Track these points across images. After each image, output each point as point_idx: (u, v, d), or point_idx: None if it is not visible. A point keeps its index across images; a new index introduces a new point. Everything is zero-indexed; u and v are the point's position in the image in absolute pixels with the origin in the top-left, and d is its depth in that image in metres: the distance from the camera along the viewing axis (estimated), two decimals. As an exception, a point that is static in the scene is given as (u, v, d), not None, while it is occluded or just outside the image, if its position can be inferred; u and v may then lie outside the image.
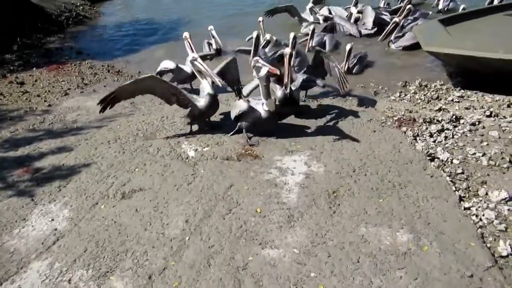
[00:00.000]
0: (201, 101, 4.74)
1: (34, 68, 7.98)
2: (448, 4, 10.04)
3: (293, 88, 5.04)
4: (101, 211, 3.57)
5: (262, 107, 4.53)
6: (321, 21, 9.78)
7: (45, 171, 4.27)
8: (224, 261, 2.95)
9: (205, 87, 4.72)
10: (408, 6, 8.19)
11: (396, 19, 8.18)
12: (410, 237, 3.04)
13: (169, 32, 11.02)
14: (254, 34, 5.91)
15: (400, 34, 8.36)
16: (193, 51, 5.41)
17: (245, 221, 3.35)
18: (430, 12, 9.95)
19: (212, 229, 3.28)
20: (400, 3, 10.70)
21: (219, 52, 8.13)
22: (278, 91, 5.01)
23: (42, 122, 5.59)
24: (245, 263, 2.92)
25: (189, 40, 5.54)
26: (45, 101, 6.42)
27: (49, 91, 6.87)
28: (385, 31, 8.29)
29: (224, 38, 8.91)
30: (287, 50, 4.71)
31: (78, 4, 12.97)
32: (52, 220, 3.47)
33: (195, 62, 4.71)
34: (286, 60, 4.66)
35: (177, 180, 4.01)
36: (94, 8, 13.54)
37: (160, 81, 4.62)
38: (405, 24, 8.69)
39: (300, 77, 5.36)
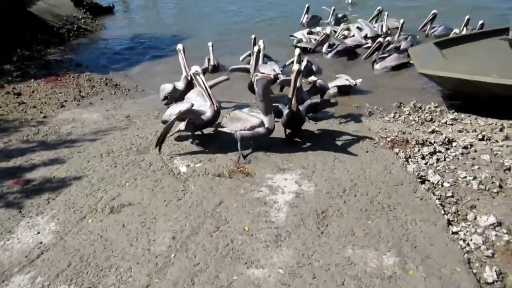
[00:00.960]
0: (208, 112, 4.78)
1: (32, 80, 8.03)
2: (435, 30, 10.11)
3: (300, 108, 4.90)
4: (88, 225, 3.55)
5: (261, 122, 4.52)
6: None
7: (35, 183, 4.26)
8: (209, 279, 2.92)
9: (213, 100, 4.77)
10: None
11: (380, 39, 8.32)
12: (396, 260, 3.02)
13: (169, 47, 11.09)
14: (255, 49, 5.90)
15: (385, 54, 8.48)
16: (186, 64, 5.53)
17: (232, 239, 3.33)
18: (418, 36, 10.08)
19: (199, 247, 3.26)
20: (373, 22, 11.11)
21: (215, 69, 8.21)
22: (285, 110, 4.84)
23: (37, 133, 5.60)
24: (229, 283, 2.89)
25: (181, 53, 5.60)
26: (40, 112, 6.44)
27: (45, 102, 6.90)
28: (369, 51, 8.47)
29: (223, 55, 9.04)
30: (295, 67, 4.65)
31: (80, 17, 13.11)
32: (38, 233, 3.45)
33: (197, 77, 4.78)
34: (293, 76, 4.58)
35: (166, 196, 4.00)
36: (96, 22, 13.69)
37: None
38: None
39: (308, 101, 5.24)
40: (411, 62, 7.74)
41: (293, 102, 4.66)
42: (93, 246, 3.27)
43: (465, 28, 9.50)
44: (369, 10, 11.96)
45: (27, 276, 2.97)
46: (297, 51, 5.68)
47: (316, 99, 5.51)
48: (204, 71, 4.89)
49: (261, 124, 4.49)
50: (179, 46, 5.62)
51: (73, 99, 7.16)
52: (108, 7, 15.79)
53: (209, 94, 4.68)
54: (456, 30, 9.44)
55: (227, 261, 3.09)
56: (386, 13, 10.52)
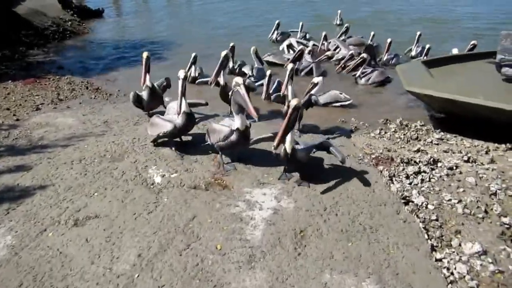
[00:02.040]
0: (179, 119, 4.69)
1: (10, 81, 7.76)
2: (421, 52, 10.05)
3: (298, 148, 4.04)
4: (48, 240, 3.28)
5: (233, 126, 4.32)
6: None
7: (-4, 190, 3.98)
8: (173, 304, 2.69)
9: (182, 105, 4.63)
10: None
11: (363, 54, 8.31)
12: (376, 288, 2.83)
13: (154, 53, 10.89)
14: (223, 54, 5.68)
15: (368, 70, 8.45)
16: (147, 73, 5.53)
17: (203, 259, 3.11)
18: (401, 56, 10.08)
19: (166, 266, 3.02)
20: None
21: (194, 80, 8.02)
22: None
23: (6, 137, 5.32)
24: (195, 308, 2.66)
25: (144, 60, 5.47)
26: (14, 115, 6.15)
27: (20, 105, 6.61)
28: (351, 65, 8.46)
29: (208, 63, 8.86)
30: (293, 102, 3.68)
31: (67, 19, 12.88)
32: (-9, 246, 3.18)
33: (179, 81, 4.60)
34: (288, 113, 3.69)
35: (137, 208, 3.76)
36: (83, 25, 13.47)
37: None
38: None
39: (302, 144, 4.21)
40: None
41: (288, 141, 3.86)
42: (50, 264, 3.01)
43: (415, 47, 9.84)
44: (357, 31, 11.96)
45: (-29, 296, 2.70)
46: (290, 66, 5.39)
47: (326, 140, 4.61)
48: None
49: (232, 132, 4.31)
50: (144, 54, 5.48)
51: (50, 102, 6.88)
52: (97, 10, 15.58)
53: (179, 102, 4.56)
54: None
55: (194, 284, 2.86)
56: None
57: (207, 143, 4.72)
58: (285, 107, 5.25)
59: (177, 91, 4.59)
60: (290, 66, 5.33)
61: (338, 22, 12.80)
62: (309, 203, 3.88)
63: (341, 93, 7.16)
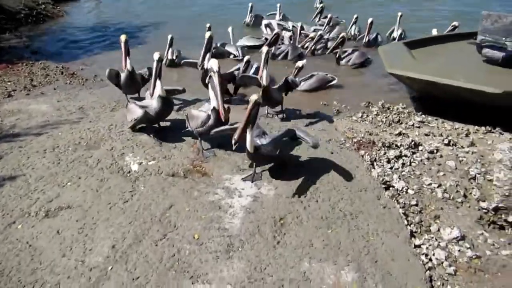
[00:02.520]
0: (153, 104, 4.58)
1: (-20, 66, 7.41)
2: (401, 34, 9.96)
3: (262, 143, 3.75)
4: (17, 232, 3.15)
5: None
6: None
7: (-38, 181, 3.81)
8: (147, 297, 2.61)
9: (157, 89, 4.51)
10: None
11: (343, 34, 8.20)
12: (355, 276, 2.79)
13: (133, 36, 10.58)
14: (207, 35, 5.52)
15: (349, 51, 8.38)
16: (127, 56, 5.33)
17: (179, 249, 3.02)
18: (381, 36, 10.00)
19: (141, 257, 2.93)
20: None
21: (173, 63, 7.84)
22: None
23: (-25, 125, 5.09)
24: (170, 301, 2.59)
25: (123, 44, 5.27)
26: (-17, 102, 5.89)
27: (-10, 91, 6.34)
28: (333, 45, 8.35)
29: (191, 46, 8.65)
30: (253, 97, 3.46)
31: (40, 2, 12.35)
32: (-44, 240, 3.03)
33: (154, 63, 4.49)
34: (248, 107, 3.45)
35: (112, 198, 3.64)
36: (58, 8, 12.96)
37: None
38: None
39: (268, 137, 3.86)
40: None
41: (248, 140, 3.61)
42: (19, 257, 2.88)
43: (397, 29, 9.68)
44: (339, 14, 11.80)
45: None
46: (265, 49, 5.15)
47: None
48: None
49: (208, 117, 4.26)
50: (122, 37, 5.27)
51: (23, 89, 6.61)
52: (72, -7, 15.04)
53: (154, 82, 4.47)
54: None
55: (170, 275, 2.78)
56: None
57: (187, 129, 4.61)
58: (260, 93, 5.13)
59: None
60: (265, 49, 5.18)
61: (317, 5, 12.52)
62: (289, 190, 3.82)
63: (327, 74, 7.08)
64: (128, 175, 4.04)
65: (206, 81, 4.22)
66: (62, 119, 5.39)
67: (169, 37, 7.73)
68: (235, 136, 3.43)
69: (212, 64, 4.07)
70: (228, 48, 8.84)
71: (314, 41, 8.67)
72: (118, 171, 4.10)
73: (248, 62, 6.59)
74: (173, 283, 2.72)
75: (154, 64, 4.45)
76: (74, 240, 3.08)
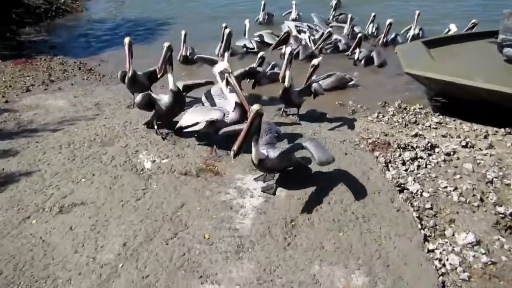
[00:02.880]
0: (165, 99, 4.56)
1: (0, 61, 7.56)
2: (419, 34, 9.69)
3: (269, 154, 3.55)
4: (31, 227, 3.20)
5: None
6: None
7: (-20, 175, 3.89)
8: (156, 296, 2.62)
9: (169, 83, 4.50)
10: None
11: (360, 34, 8.12)
12: (365, 280, 2.75)
13: (152, 32, 10.65)
14: (226, 31, 5.53)
15: (366, 51, 8.25)
16: (130, 59, 5.15)
17: (189, 249, 3.03)
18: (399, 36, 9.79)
19: (151, 256, 2.95)
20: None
21: (186, 59, 7.83)
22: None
23: (-6, 119, 5.19)
24: (179, 301, 2.59)
25: (126, 47, 5.08)
26: (3, 96, 5.99)
27: (10, 86, 6.45)
28: (353, 45, 8.18)
29: (203, 42, 8.66)
30: (254, 107, 3.21)
31: (60, -4, 12.53)
32: (-28, 234, 3.09)
33: (164, 50, 4.48)
34: (249, 118, 3.23)
35: (124, 195, 3.67)
36: (77, 3, 13.10)
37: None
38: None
39: (277, 150, 3.62)
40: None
41: (253, 152, 3.47)
42: (32, 252, 2.93)
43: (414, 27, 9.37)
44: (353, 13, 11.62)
45: (-51, 286, 2.63)
46: (288, 49, 5.17)
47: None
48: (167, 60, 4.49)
49: (224, 114, 4.28)
50: (126, 40, 5.12)
51: (41, 83, 6.71)
52: (91, -13, 15.18)
53: (162, 65, 4.49)
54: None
55: (180, 275, 2.78)
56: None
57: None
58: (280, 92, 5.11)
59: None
60: (288, 49, 5.10)
61: (333, 3, 12.25)
62: (301, 191, 3.79)
63: (345, 75, 7.00)
64: (141, 172, 4.07)
65: (224, 84, 4.23)
66: (78, 115, 5.45)
67: (183, 32, 7.70)
68: (234, 148, 3.16)
69: (224, 66, 4.10)
70: (242, 41, 8.79)
71: (322, 38, 8.48)
72: (132, 168, 4.13)
73: (262, 58, 6.54)
74: (182, 283, 2.72)
75: (164, 50, 4.42)
76: (86, 237, 3.11)
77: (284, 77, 4.99)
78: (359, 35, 8.06)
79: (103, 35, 10.50)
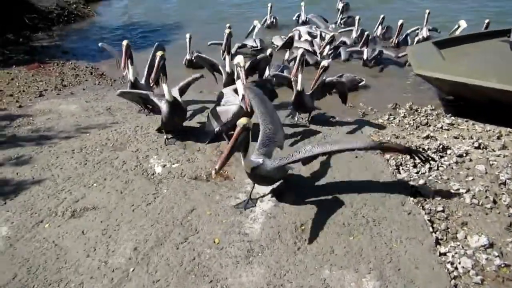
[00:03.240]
0: (163, 107, 4.49)
1: (14, 66, 7.70)
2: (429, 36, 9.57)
3: (265, 164, 3.31)
4: (44, 231, 3.25)
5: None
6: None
7: (-5, 180, 3.96)
8: (167, 300, 2.64)
9: (165, 93, 4.40)
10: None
11: (366, 32, 8.10)
12: (376, 284, 2.73)
13: (163, 36, 10.74)
14: (227, 31, 5.56)
15: (376, 52, 8.22)
16: (127, 61, 5.22)
17: (200, 253, 3.04)
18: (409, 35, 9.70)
19: (162, 260, 2.97)
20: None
21: (191, 63, 7.85)
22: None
23: (8, 124, 5.27)
24: (189, 305, 2.61)
25: (124, 48, 5.17)
26: (17, 101, 6.10)
27: (23, 91, 6.56)
28: (360, 44, 8.18)
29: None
30: (241, 121, 3.03)
31: (72, 2, 12.70)
32: (-13, 239, 3.15)
33: (156, 59, 4.31)
34: (236, 132, 3.03)
35: (135, 200, 3.70)
36: (88, 8, 13.28)
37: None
38: None
39: (274, 161, 3.37)
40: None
41: (242, 162, 3.30)
42: (45, 256, 2.97)
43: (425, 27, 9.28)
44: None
45: (-35, 290, 2.69)
46: (301, 51, 5.02)
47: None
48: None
49: (241, 108, 4.39)
50: (124, 42, 5.17)
51: (54, 88, 6.81)
52: (103, -8, 15.39)
53: (155, 74, 4.33)
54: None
55: (190, 279, 2.80)
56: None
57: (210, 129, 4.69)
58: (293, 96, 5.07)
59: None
60: (300, 51, 5.08)
61: (339, 7, 12.14)
62: (311, 195, 3.77)
63: (355, 76, 6.96)
64: (152, 177, 4.10)
65: (235, 77, 4.31)
66: (90, 119, 5.52)
67: (187, 36, 7.72)
68: (216, 166, 2.89)
69: (239, 59, 4.16)
70: (246, 41, 8.79)
71: (325, 42, 8.32)
72: (142, 173, 4.16)
73: (270, 55, 6.55)
74: (192, 287, 2.73)
75: (157, 60, 4.27)
76: (98, 241, 3.15)
77: (296, 80, 4.95)
78: (366, 33, 8.01)
79: (114, 40, 10.58)
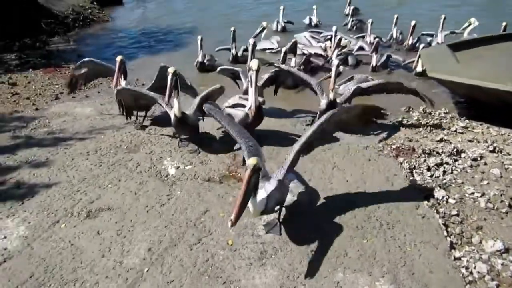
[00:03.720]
0: (172, 119, 4.43)
1: (30, 70, 7.85)
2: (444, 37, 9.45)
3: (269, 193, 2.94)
4: (60, 231, 3.30)
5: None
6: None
7: (12, 180, 4.03)
8: (181, 300, 2.66)
9: (174, 107, 4.32)
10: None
11: (377, 39, 8.10)
12: (390, 288, 2.72)
13: (176, 40, 10.86)
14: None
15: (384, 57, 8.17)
16: (120, 76, 5.19)
17: (213, 255, 3.06)
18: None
19: (176, 261, 2.99)
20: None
21: (202, 66, 7.88)
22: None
23: (25, 126, 5.37)
24: (203, 305, 2.62)
25: (117, 64, 5.13)
26: (33, 104, 6.22)
27: (40, 94, 6.68)
28: (371, 50, 8.10)
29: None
30: (251, 161, 2.65)
31: (87, 7, 12.91)
32: (5, 237, 3.21)
33: (168, 77, 4.12)
34: (246, 176, 2.64)
35: (149, 201, 3.74)
36: (103, 12, 13.47)
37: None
38: None
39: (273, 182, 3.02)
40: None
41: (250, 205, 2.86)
42: (61, 256, 3.02)
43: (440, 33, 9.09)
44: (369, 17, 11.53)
45: (-16, 288, 2.74)
46: (336, 61, 5.12)
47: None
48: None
49: (247, 115, 4.40)
50: (118, 58, 5.16)
51: (69, 92, 6.91)
52: (117, -2, 15.61)
53: (169, 94, 4.20)
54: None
55: (204, 280, 2.81)
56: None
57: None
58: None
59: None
60: (335, 61, 5.02)
61: (348, 12, 12.02)
62: (324, 197, 3.78)
63: (367, 76, 6.92)
64: (166, 179, 4.13)
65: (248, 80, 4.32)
66: (105, 122, 5.60)
67: (199, 38, 7.73)
68: (232, 217, 2.50)
69: (252, 63, 4.18)
70: (262, 45, 8.77)
71: (334, 45, 8.20)
72: (156, 174, 4.21)
73: (286, 53, 6.54)
74: (205, 288, 2.76)
75: (169, 78, 4.11)
76: (113, 241, 3.19)
77: (332, 89, 4.89)
78: (376, 39, 7.97)
79: (128, 44, 10.75)
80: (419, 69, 7.47)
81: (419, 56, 7.34)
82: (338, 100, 5.07)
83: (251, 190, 2.69)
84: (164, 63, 5.33)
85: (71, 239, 3.20)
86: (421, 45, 8.40)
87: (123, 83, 5.27)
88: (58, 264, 2.94)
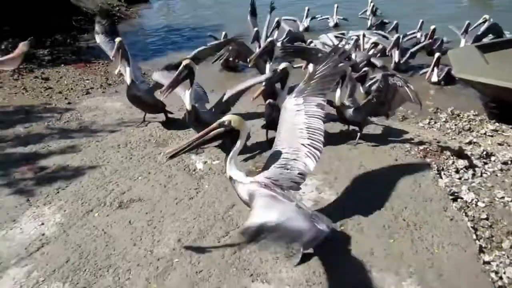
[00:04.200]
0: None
1: (62, 65, 8.12)
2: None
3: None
4: (94, 219, 3.42)
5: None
6: None
7: (48, 170, 4.20)
8: (209, 290, 2.73)
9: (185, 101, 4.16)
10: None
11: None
12: (417, 288, 2.71)
13: (202, 38, 10.95)
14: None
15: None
16: (122, 60, 4.98)
17: (241, 247, 3.11)
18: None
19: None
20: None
21: (226, 62, 7.91)
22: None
23: (58, 119, 5.56)
24: (230, 296, 2.68)
25: (116, 46, 4.99)
26: (65, 98, 6.43)
27: (71, 88, 6.90)
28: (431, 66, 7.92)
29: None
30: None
31: (115, 4, 13.19)
32: (42, 224, 3.35)
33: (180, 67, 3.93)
34: None
35: (178, 194, 3.83)
36: (130, 10, 13.75)
37: None
38: None
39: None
40: None
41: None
42: (95, 243, 3.14)
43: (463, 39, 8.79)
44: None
45: (23, 270, 2.87)
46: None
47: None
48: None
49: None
50: (116, 39, 5.02)
51: (100, 87, 7.13)
52: (143, -4, 15.88)
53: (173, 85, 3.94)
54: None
55: (231, 272, 2.88)
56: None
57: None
58: None
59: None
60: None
61: (367, 14, 11.82)
62: (351, 196, 3.78)
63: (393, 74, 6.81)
64: (194, 173, 4.22)
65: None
66: (134, 116, 5.73)
67: (223, 34, 7.77)
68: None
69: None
70: (323, 40, 8.65)
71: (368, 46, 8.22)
72: (184, 168, 4.29)
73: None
74: (233, 279, 2.81)
75: (179, 68, 3.90)
76: (144, 231, 3.28)
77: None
78: (396, 35, 7.85)
79: (156, 40, 10.96)
80: (434, 78, 7.28)
81: (435, 64, 7.16)
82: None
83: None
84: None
85: (104, 228, 3.32)
86: (437, 54, 8.18)
87: (127, 69, 4.99)
88: (92, 251, 3.05)
